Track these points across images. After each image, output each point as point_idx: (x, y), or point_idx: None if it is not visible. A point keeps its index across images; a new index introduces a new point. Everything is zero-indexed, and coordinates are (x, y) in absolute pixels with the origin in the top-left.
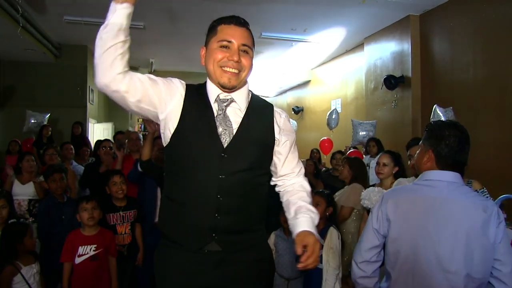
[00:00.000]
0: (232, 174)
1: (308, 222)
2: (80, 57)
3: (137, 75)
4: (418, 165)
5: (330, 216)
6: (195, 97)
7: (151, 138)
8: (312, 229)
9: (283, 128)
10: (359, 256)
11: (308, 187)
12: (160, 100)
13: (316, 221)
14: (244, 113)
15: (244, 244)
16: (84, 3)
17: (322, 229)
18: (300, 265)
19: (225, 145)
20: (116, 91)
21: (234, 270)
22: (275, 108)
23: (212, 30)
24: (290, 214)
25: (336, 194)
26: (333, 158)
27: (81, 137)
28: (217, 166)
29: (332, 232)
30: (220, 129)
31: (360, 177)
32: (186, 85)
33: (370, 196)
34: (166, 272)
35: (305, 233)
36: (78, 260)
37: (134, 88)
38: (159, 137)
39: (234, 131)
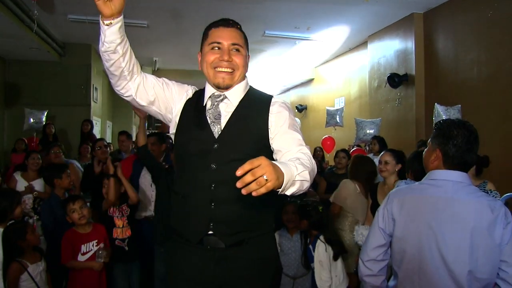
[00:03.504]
0: (224, 164)
1: (278, 162)
2: (84, 56)
3: (150, 80)
4: (426, 163)
5: (320, 226)
6: (195, 99)
7: (143, 124)
8: (282, 165)
9: (276, 112)
10: (366, 255)
11: (305, 158)
12: (169, 103)
13: (298, 170)
14: (236, 106)
15: (244, 238)
16: (88, 2)
17: (312, 242)
18: (238, 183)
19: (216, 136)
20: (128, 96)
21: (236, 267)
22: (273, 99)
23: (204, 35)
24: None
25: None
26: (336, 156)
27: (89, 135)
28: (209, 156)
29: (319, 246)
30: (210, 121)
31: (359, 174)
32: (195, 90)
33: (362, 233)
34: (173, 265)
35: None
36: (82, 258)
37: (146, 94)
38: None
39: (224, 123)
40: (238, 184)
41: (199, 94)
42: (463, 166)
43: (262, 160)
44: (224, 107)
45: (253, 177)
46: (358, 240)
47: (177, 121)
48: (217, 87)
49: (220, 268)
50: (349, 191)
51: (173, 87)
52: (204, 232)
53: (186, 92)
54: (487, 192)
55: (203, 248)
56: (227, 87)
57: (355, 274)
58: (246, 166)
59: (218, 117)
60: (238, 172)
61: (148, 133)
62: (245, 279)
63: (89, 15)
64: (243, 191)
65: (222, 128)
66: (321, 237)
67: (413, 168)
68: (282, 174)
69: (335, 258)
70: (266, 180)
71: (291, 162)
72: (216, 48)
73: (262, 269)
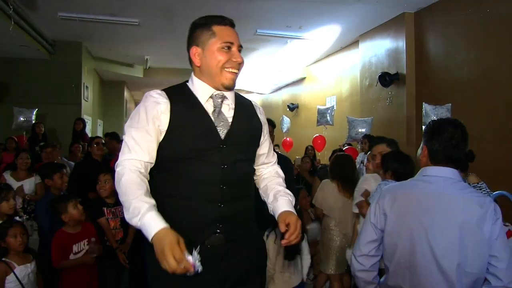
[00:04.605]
0: (232, 163)
1: (288, 204)
2: (75, 54)
3: (152, 152)
4: (418, 160)
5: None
6: (181, 98)
7: None
8: (292, 210)
9: (263, 120)
10: (358, 250)
11: (282, 174)
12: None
13: (293, 203)
14: (234, 108)
15: (244, 233)
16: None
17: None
18: (283, 241)
19: (222, 137)
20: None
21: (235, 262)
22: (253, 103)
23: (205, 30)
24: (269, 198)
25: None
26: (332, 156)
27: (81, 134)
28: (218, 157)
29: (270, 235)
30: (216, 123)
31: (337, 173)
32: (165, 91)
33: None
34: (167, 274)
35: (287, 212)
36: (74, 257)
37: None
38: None
39: (230, 124)
40: (284, 242)
41: (181, 93)
42: (450, 162)
43: (298, 221)
44: (225, 108)
45: (297, 238)
46: (348, 259)
47: (165, 127)
48: (226, 87)
49: (224, 263)
50: (326, 192)
51: (150, 124)
52: (211, 232)
53: (158, 106)
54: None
55: (203, 247)
56: (232, 88)
57: (347, 273)
58: (292, 229)
59: (223, 118)
60: (286, 238)
61: None
62: (244, 272)
63: (79, 13)
64: (284, 243)
65: (228, 129)
66: (277, 230)
67: (392, 168)
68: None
69: (288, 258)
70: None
71: (288, 196)
72: (227, 48)
73: (258, 259)
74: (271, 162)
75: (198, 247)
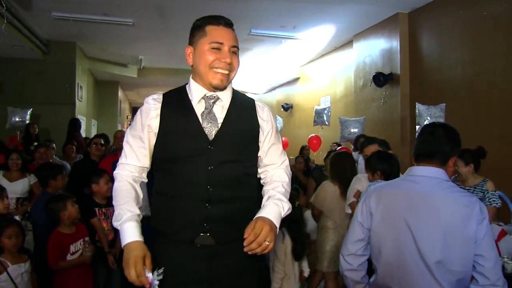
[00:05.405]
0: (220, 164)
1: (270, 210)
2: (68, 54)
3: (145, 160)
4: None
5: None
6: (174, 100)
7: None
8: (271, 216)
9: (266, 120)
10: (346, 249)
11: (285, 178)
12: (150, 137)
13: (285, 210)
14: (227, 108)
15: (236, 235)
16: None
17: None
18: (245, 249)
19: (211, 138)
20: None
21: (227, 263)
22: (256, 102)
23: (198, 30)
24: (263, 203)
25: None
26: (327, 157)
27: (74, 134)
28: (205, 158)
29: (277, 236)
30: (204, 124)
31: (338, 174)
32: (163, 94)
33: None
34: (159, 267)
35: (260, 218)
36: (71, 258)
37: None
38: None
39: (219, 125)
40: (245, 249)
41: (177, 95)
42: (428, 157)
43: (263, 227)
44: (218, 110)
45: (258, 245)
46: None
47: (156, 129)
48: (215, 87)
49: (213, 265)
50: (327, 193)
51: (144, 131)
52: (198, 232)
53: (149, 112)
54: (484, 192)
55: (193, 247)
56: (223, 89)
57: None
58: (251, 237)
59: (214, 118)
60: (245, 246)
61: None
62: (237, 273)
63: (73, 13)
64: (249, 252)
65: (218, 130)
66: (284, 229)
67: (380, 169)
68: (275, 226)
69: (297, 258)
70: (268, 243)
71: (278, 202)
72: (217, 49)
73: (250, 263)
74: (276, 164)
75: (162, 269)
